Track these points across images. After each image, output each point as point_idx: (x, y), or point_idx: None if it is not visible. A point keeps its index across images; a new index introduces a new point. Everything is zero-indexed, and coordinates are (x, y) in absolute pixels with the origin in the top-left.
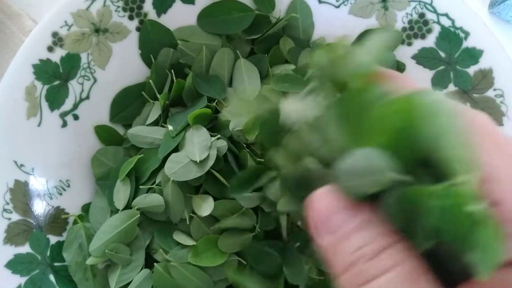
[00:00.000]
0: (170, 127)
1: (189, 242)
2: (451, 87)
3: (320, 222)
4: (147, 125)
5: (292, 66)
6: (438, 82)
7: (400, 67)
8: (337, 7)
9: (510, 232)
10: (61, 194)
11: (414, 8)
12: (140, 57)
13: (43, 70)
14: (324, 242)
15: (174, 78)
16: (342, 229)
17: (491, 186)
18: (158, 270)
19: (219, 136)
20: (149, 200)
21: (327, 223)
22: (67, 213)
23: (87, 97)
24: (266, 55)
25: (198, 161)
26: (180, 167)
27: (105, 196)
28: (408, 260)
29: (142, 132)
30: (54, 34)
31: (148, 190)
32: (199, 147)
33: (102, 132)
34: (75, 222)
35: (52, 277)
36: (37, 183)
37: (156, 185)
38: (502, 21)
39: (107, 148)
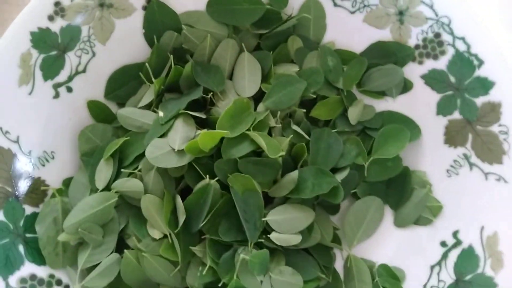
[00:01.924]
0: (161, 113)
1: (159, 235)
2: (456, 115)
3: None
4: (139, 107)
5: (296, 68)
6: (444, 107)
7: (407, 85)
8: (352, 13)
9: None
10: (43, 165)
11: (431, 26)
12: (143, 37)
13: (41, 39)
14: None
15: (173, 63)
16: None
17: None
18: (128, 257)
19: (207, 129)
20: (129, 184)
21: None
22: (47, 185)
23: (84, 71)
24: (272, 52)
25: (176, 150)
26: (161, 153)
27: (87, 173)
28: None
29: (133, 114)
30: (57, 4)
31: (130, 175)
32: (181, 136)
33: (94, 108)
34: (53, 196)
35: (21, 248)
36: (21, 152)
37: (138, 170)
38: None
39: (96, 125)
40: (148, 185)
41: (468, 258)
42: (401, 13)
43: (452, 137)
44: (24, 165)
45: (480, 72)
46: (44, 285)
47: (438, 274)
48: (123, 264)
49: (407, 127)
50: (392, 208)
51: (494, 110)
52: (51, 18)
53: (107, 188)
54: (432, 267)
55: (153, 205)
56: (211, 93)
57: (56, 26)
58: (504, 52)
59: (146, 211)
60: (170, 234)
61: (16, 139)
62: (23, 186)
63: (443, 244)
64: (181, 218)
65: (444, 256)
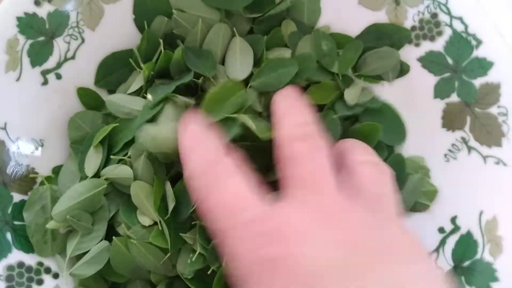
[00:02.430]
0: (149, 96)
1: (149, 223)
2: (454, 97)
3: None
4: (128, 94)
5: (289, 52)
6: (441, 90)
7: (403, 68)
8: None
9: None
10: (32, 152)
11: (428, 6)
12: (133, 22)
13: (27, 24)
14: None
15: (163, 48)
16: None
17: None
18: (117, 244)
19: None
20: (118, 171)
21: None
22: (36, 173)
23: (73, 57)
24: (265, 36)
25: None
26: (151, 137)
27: (77, 161)
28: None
29: (121, 100)
30: None
31: (119, 161)
32: (171, 121)
33: (84, 95)
34: (42, 183)
35: (9, 235)
36: (8, 139)
37: (128, 157)
38: None
39: (86, 112)
40: (137, 171)
41: (466, 243)
42: None
43: (450, 120)
44: (12, 152)
45: (478, 53)
46: (32, 272)
47: (436, 261)
48: (112, 251)
49: (391, 128)
50: None
51: (492, 91)
52: (37, 3)
53: (97, 175)
54: (430, 254)
55: (143, 191)
56: (202, 77)
57: (43, 11)
58: (504, 32)
59: (135, 198)
60: (160, 221)
61: (4, 125)
62: (11, 173)
63: (441, 230)
64: (171, 204)
65: (442, 242)
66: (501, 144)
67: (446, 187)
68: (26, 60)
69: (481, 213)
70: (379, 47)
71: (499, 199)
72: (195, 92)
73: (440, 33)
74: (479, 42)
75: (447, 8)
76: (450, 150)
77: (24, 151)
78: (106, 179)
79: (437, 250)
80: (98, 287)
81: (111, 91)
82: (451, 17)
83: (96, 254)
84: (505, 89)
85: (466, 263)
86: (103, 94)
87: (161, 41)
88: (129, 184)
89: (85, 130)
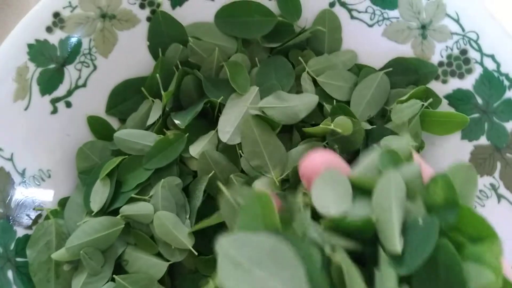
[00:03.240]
0: (177, 121)
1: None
2: (483, 140)
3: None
4: (147, 126)
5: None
6: (470, 131)
7: (435, 100)
8: (371, 26)
9: None
10: (39, 184)
11: (457, 42)
12: (147, 50)
13: (38, 51)
14: None
15: (181, 74)
16: None
17: None
18: (120, 283)
19: None
20: (138, 208)
21: None
22: (41, 207)
23: (84, 85)
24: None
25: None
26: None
27: (83, 193)
28: None
29: (131, 136)
30: (55, 15)
31: (131, 199)
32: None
33: (95, 124)
34: (47, 218)
35: (10, 274)
36: (14, 170)
37: (149, 197)
38: None
39: (95, 142)
40: (157, 207)
41: None
42: (423, 27)
43: (479, 164)
44: (17, 184)
45: (511, 94)
46: None
47: None
48: None
49: None
50: None
51: None
52: (49, 30)
53: (102, 210)
54: None
55: (169, 221)
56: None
57: (55, 38)
58: None
59: (160, 228)
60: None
61: (10, 156)
62: (15, 207)
63: None
64: None
65: None
66: None
67: None
68: (35, 88)
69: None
70: (405, 82)
71: None
72: (211, 118)
73: (469, 71)
74: None
75: (478, 45)
76: (477, 197)
77: (30, 183)
78: (122, 217)
79: None
80: None
81: (122, 120)
82: (482, 54)
83: None
84: None
85: None
86: (113, 122)
87: (178, 69)
88: (147, 221)
89: (93, 161)
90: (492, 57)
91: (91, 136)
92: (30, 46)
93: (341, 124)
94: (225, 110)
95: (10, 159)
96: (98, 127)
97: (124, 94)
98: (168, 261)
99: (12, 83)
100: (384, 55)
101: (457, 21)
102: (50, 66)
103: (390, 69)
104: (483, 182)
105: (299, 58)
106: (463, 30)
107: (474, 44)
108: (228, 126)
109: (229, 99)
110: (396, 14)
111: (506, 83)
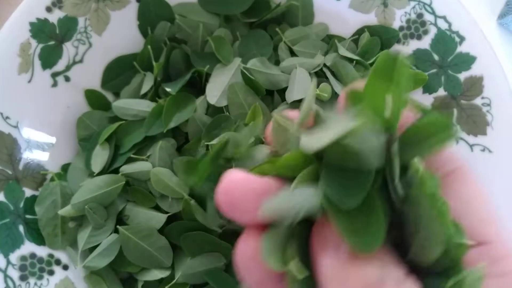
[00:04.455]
0: (169, 89)
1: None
2: (441, 92)
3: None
4: (141, 96)
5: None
6: (429, 85)
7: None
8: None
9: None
10: (43, 150)
11: (413, 7)
12: (137, 28)
13: (39, 29)
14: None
15: (169, 49)
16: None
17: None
18: (124, 233)
19: None
20: (137, 166)
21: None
22: (46, 170)
23: (81, 61)
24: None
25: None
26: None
27: (84, 158)
28: None
29: (127, 104)
30: None
31: (128, 160)
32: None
33: (91, 96)
34: (52, 179)
35: (21, 228)
36: (20, 137)
37: (147, 157)
38: (510, 33)
39: (93, 112)
40: (154, 165)
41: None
42: None
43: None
44: (24, 149)
45: (462, 48)
46: (43, 263)
47: None
48: (122, 241)
49: None
50: None
51: (476, 83)
52: (49, 9)
53: (103, 171)
54: None
55: (165, 176)
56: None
57: (54, 17)
58: (483, 29)
59: (157, 184)
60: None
61: (16, 124)
62: (23, 169)
63: None
64: None
65: None
66: (486, 132)
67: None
68: (37, 63)
69: None
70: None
71: (486, 184)
72: (199, 87)
73: (426, 32)
74: (462, 39)
75: (432, 8)
76: None
77: (36, 149)
78: (123, 175)
79: None
80: (109, 278)
81: (116, 93)
82: (436, 16)
83: (107, 246)
84: (487, 81)
85: None
86: (108, 96)
87: (167, 42)
88: (146, 178)
89: (92, 129)
90: (444, 18)
91: (88, 108)
92: (31, 24)
93: (324, 89)
94: (211, 78)
95: (16, 127)
96: (94, 99)
97: (117, 70)
98: (167, 213)
99: (16, 57)
100: (352, 25)
101: None
102: (50, 42)
103: (356, 36)
104: None
105: (277, 29)
106: None
107: (428, 8)
108: (215, 91)
109: (214, 69)
110: None
111: (457, 39)
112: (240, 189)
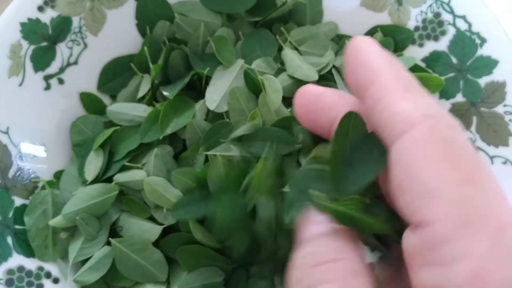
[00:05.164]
0: (166, 93)
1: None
2: (459, 97)
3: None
4: (137, 99)
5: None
6: (446, 90)
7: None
8: None
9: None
10: (35, 157)
11: (430, 6)
12: (135, 28)
13: (31, 30)
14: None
15: (168, 50)
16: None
17: (426, 201)
18: (117, 246)
19: None
20: (131, 174)
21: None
22: (37, 178)
23: (75, 62)
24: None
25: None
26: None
27: (77, 164)
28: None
29: (123, 109)
30: None
31: (122, 167)
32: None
33: (86, 100)
34: (43, 188)
35: (9, 239)
36: (10, 143)
37: (142, 165)
38: None
39: (88, 116)
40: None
41: None
42: None
43: None
44: (14, 156)
45: (483, 51)
46: (32, 277)
47: None
48: (115, 254)
49: None
50: None
51: (498, 89)
52: (41, 9)
53: (96, 180)
54: None
55: (160, 186)
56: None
57: (46, 16)
58: (507, 30)
59: (151, 194)
60: None
61: (6, 130)
62: (12, 177)
63: None
64: None
65: None
66: (508, 143)
67: None
68: (29, 65)
69: None
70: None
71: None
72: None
73: (443, 33)
74: (483, 41)
75: (450, 7)
76: None
77: (26, 156)
78: (116, 184)
79: None
80: None
81: (113, 96)
82: (454, 16)
83: (99, 259)
84: (511, 87)
85: None
86: (105, 98)
87: (166, 42)
88: (140, 187)
89: (86, 134)
90: (464, 18)
91: (83, 111)
92: (23, 24)
93: None
94: (212, 81)
95: (6, 132)
96: (90, 103)
97: (114, 72)
98: (162, 224)
99: (6, 59)
100: (363, 24)
101: None
102: (42, 44)
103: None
104: None
105: (282, 29)
106: None
107: (446, 6)
108: (215, 96)
109: (215, 72)
110: None
111: (478, 41)
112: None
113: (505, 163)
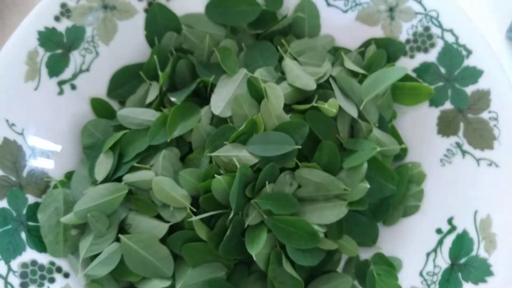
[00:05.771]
0: (173, 99)
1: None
2: (448, 105)
3: None
4: (146, 105)
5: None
6: (436, 98)
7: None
8: (345, 11)
9: None
10: (48, 157)
11: (420, 20)
12: (144, 38)
13: (47, 38)
14: None
15: (175, 59)
16: None
17: None
18: (126, 242)
19: None
20: (140, 175)
21: None
22: (50, 177)
23: (87, 69)
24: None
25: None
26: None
27: (87, 165)
28: None
29: (132, 113)
30: (63, 5)
31: (132, 168)
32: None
33: (97, 105)
34: (55, 187)
35: (23, 235)
36: (25, 144)
37: (150, 165)
38: None
39: (99, 120)
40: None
41: (462, 242)
42: (391, 9)
43: (445, 127)
44: (28, 156)
45: (469, 62)
46: (44, 271)
47: (434, 260)
48: (123, 250)
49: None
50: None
51: (483, 97)
52: (57, 19)
53: (106, 180)
54: (428, 254)
55: (167, 185)
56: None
57: (62, 26)
58: (491, 42)
59: (159, 193)
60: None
61: (22, 131)
62: (26, 176)
63: (439, 231)
64: None
65: (440, 242)
66: (493, 146)
67: (442, 190)
68: (44, 71)
69: (475, 212)
70: None
71: (492, 198)
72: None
73: (432, 45)
74: (469, 52)
75: (439, 22)
76: (445, 155)
77: (40, 156)
78: (126, 184)
79: (434, 250)
80: (109, 286)
81: (122, 102)
82: (443, 29)
83: (108, 255)
84: (494, 95)
85: (463, 260)
86: (114, 104)
87: (174, 52)
88: (148, 187)
89: (97, 137)
90: (451, 31)
91: (93, 116)
92: (40, 33)
93: (332, 105)
94: (216, 89)
95: (21, 134)
96: (100, 108)
97: (123, 79)
98: (168, 222)
99: (23, 65)
100: (358, 37)
101: (419, 2)
102: (58, 51)
103: (363, 49)
104: (450, 141)
105: (282, 41)
106: (425, 9)
107: (435, 21)
108: (220, 102)
109: (219, 80)
110: None
111: (464, 53)
112: None
113: (490, 165)
